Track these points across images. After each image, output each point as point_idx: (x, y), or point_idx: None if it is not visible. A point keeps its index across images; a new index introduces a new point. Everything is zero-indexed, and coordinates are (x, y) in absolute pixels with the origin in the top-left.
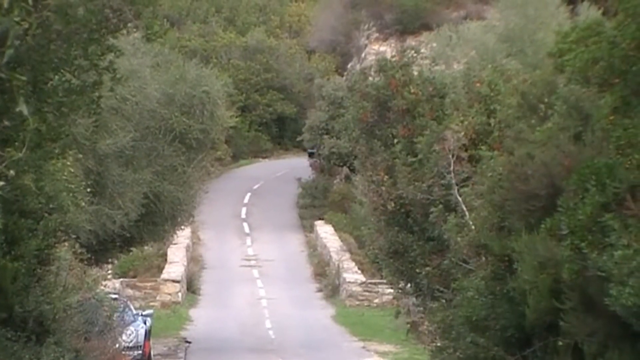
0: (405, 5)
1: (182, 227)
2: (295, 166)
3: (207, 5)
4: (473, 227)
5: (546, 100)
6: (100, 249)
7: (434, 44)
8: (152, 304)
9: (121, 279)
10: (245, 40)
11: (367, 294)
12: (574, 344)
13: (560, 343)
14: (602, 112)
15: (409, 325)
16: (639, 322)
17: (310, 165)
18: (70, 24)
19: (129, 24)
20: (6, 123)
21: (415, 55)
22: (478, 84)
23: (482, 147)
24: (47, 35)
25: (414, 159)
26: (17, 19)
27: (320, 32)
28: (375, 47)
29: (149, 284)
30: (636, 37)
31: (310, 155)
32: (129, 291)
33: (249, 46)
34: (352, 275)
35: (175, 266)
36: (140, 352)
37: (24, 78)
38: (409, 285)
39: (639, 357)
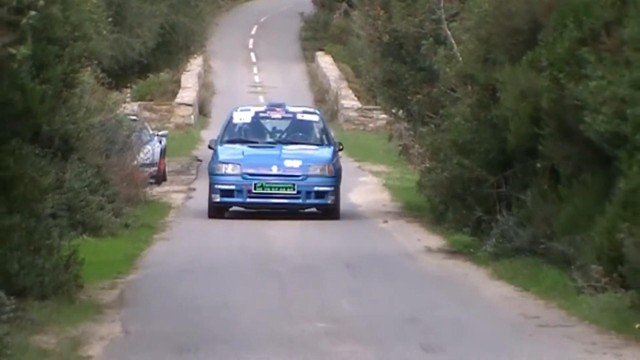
0: None
1: (195, 56)
2: (299, 1)
3: None
4: (460, 58)
5: None
6: (120, 75)
7: None
8: (166, 125)
9: (139, 102)
10: None
11: (362, 119)
12: (550, 166)
13: (538, 165)
14: None
15: (400, 148)
16: (611, 147)
17: (313, 2)
18: None
19: None
20: None
21: None
22: None
23: None
24: None
25: None
26: None
27: None
28: None
29: (164, 107)
30: None
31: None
32: (146, 113)
33: None
34: (349, 101)
35: (188, 91)
36: (155, 168)
37: None
38: (401, 111)
39: (609, 179)
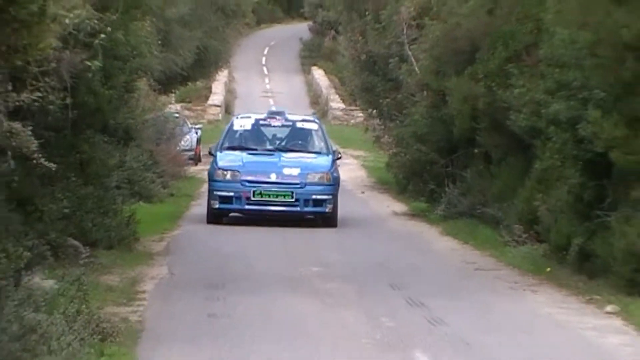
0: None
1: (222, 69)
2: (299, 30)
3: None
4: (419, 72)
5: None
6: (167, 83)
7: None
8: (201, 120)
9: (180, 104)
10: None
11: (346, 116)
12: (485, 152)
13: (476, 151)
14: None
15: (374, 138)
16: (529, 137)
17: (309, 29)
18: None
19: None
20: None
21: None
22: None
23: (426, 18)
24: None
25: (379, 25)
26: None
27: None
28: None
29: (199, 107)
30: None
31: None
32: (186, 112)
33: None
34: (336, 104)
35: (217, 96)
36: (193, 152)
37: None
38: (374, 111)
39: (528, 161)
